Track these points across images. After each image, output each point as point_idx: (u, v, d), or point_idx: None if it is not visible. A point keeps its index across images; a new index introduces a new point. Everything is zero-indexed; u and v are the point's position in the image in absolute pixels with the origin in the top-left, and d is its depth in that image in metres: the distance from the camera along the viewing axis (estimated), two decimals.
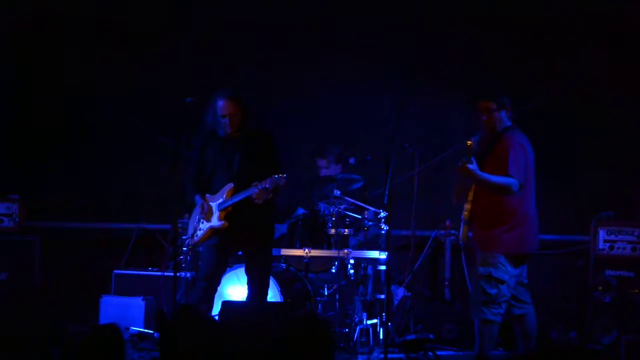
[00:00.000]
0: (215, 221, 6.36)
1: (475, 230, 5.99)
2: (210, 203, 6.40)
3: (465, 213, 5.97)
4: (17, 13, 8.37)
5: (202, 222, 6.40)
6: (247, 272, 6.45)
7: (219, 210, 6.35)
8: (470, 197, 5.96)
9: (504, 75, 7.82)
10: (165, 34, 8.40)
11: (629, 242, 6.90)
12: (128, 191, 8.34)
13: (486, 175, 5.85)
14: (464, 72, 7.98)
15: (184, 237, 7.02)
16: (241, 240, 6.41)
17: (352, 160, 7.30)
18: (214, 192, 6.42)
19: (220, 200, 6.36)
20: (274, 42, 8.35)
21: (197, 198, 6.42)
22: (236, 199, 6.27)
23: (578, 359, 3.15)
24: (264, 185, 6.11)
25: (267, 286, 6.45)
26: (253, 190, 6.17)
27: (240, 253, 6.68)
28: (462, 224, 6.01)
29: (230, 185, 6.33)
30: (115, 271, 7.67)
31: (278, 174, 6.10)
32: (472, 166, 5.79)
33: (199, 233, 6.41)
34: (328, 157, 7.62)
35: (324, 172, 7.63)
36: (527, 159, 5.92)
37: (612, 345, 6.58)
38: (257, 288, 6.39)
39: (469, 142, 5.85)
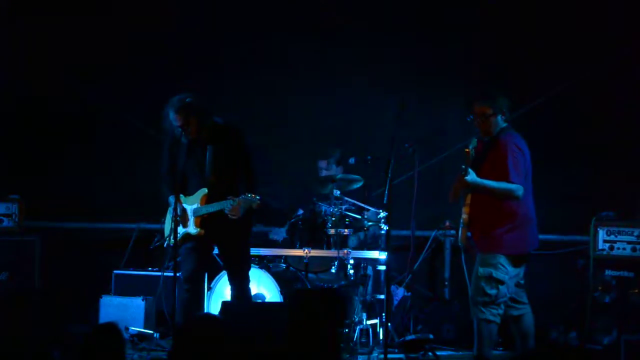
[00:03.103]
0: (191, 228, 6.37)
1: (475, 232, 5.98)
2: (185, 205, 6.39)
3: (464, 216, 5.96)
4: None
5: (179, 226, 6.33)
6: (226, 270, 6.55)
7: (194, 217, 6.35)
8: (468, 200, 5.95)
9: (503, 74, 7.82)
10: (166, 36, 8.40)
11: (629, 242, 6.89)
12: (128, 191, 8.33)
13: (487, 183, 5.84)
14: (465, 71, 7.98)
15: (155, 239, 7.01)
16: (217, 240, 6.45)
17: (352, 160, 7.30)
18: (189, 194, 6.41)
19: (196, 206, 6.36)
20: (274, 41, 8.36)
21: (171, 199, 6.37)
22: (211, 209, 6.27)
23: (578, 358, 3.15)
24: (237, 203, 6.12)
25: (247, 282, 6.48)
26: (226, 205, 6.18)
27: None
28: (460, 227, 6.00)
29: (204, 190, 6.33)
30: (115, 271, 7.68)
31: (251, 194, 6.10)
32: (470, 177, 5.79)
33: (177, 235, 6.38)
34: (329, 159, 7.63)
35: (324, 173, 7.64)
36: (525, 162, 5.92)
37: (612, 345, 6.57)
38: (236, 285, 6.44)
39: (467, 150, 5.85)
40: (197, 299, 6.44)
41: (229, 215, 6.21)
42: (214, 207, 6.27)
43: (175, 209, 6.13)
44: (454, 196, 6.06)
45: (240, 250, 6.48)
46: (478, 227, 5.96)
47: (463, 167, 5.80)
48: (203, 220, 6.35)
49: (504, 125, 6.00)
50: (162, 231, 6.71)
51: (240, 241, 6.46)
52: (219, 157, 6.33)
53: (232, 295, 6.46)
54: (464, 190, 5.95)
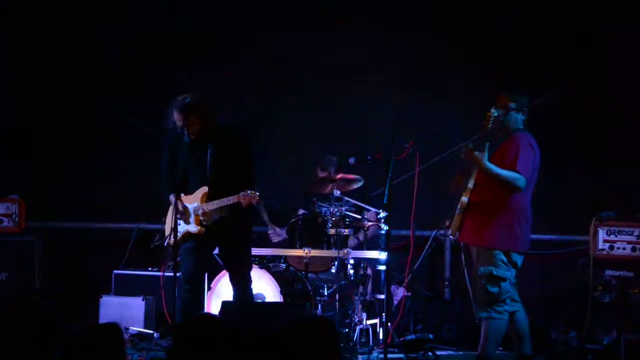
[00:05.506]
0: (192, 226, 6.36)
1: (469, 222, 5.97)
2: (186, 204, 6.38)
3: (464, 199, 5.95)
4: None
5: (179, 224, 6.28)
6: (227, 270, 6.55)
7: (194, 215, 6.35)
8: (470, 185, 5.95)
9: (503, 74, 7.81)
10: (164, 34, 8.40)
11: (629, 242, 6.90)
12: (128, 191, 8.33)
13: (492, 167, 5.83)
14: (464, 71, 7.98)
15: (156, 238, 7.02)
16: (217, 240, 6.44)
17: (352, 160, 7.29)
18: (189, 192, 6.40)
19: (196, 205, 6.35)
20: (274, 41, 8.35)
21: (171, 197, 6.36)
22: (211, 206, 6.26)
23: None
24: (236, 200, 6.12)
25: (249, 282, 6.49)
26: (226, 202, 6.19)
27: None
28: (456, 214, 5.99)
29: (205, 189, 6.32)
30: (115, 271, 7.67)
31: (251, 190, 6.08)
32: (479, 153, 5.78)
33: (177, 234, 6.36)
34: (328, 168, 7.62)
35: None
36: (535, 160, 5.93)
37: (612, 345, 6.57)
38: (238, 285, 6.45)
39: (489, 114, 5.85)
40: (197, 299, 6.44)
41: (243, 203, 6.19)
42: (214, 205, 6.27)
43: (175, 207, 6.10)
44: (457, 184, 6.06)
45: (240, 251, 6.48)
46: (474, 217, 5.95)
47: (470, 144, 5.79)
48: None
49: (521, 126, 6.01)
50: (162, 230, 6.70)
51: (240, 241, 6.46)
52: (220, 157, 6.30)
53: (234, 296, 6.45)
54: (470, 168, 5.94)
